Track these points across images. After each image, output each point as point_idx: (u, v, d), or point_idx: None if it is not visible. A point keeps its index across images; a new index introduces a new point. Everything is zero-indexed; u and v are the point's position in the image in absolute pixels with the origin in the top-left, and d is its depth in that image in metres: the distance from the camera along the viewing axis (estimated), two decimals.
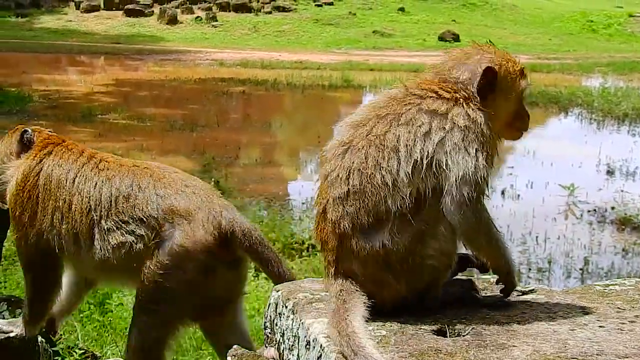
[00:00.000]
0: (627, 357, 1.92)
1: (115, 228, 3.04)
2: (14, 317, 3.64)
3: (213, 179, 10.07)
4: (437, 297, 2.26)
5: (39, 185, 3.18)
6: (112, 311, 5.07)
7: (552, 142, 13.67)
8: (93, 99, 17.15)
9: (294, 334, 2.30)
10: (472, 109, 2.19)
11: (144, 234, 2.99)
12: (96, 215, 3.07)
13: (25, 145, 3.32)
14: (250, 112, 17.01)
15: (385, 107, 2.22)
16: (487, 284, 2.53)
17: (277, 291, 2.49)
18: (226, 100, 18.24)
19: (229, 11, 35.27)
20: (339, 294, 2.16)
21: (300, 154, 13.29)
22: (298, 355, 2.25)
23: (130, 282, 3.19)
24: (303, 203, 9.25)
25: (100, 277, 3.37)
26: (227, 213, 3.02)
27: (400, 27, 33.16)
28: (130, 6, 34.74)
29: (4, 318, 3.58)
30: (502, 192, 9.87)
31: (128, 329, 3.23)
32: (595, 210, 9.31)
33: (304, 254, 7.10)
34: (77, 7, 35.53)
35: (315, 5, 36.56)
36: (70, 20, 34.34)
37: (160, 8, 34.61)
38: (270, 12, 35.50)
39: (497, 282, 2.32)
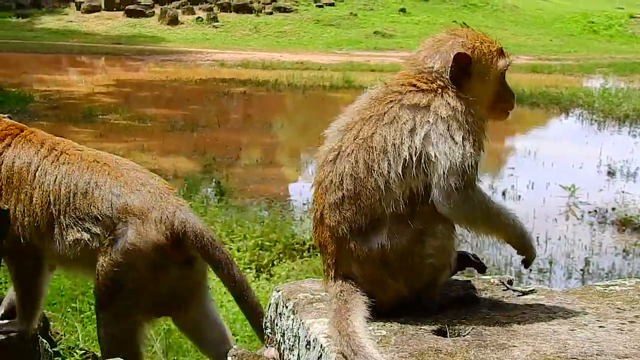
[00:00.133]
0: (627, 357, 1.92)
1: (72, 224, 3.09)
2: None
3: (214, 180, 10.09)
4: (435, 297, 2.26)
5: (1, 178, 3.21)
6: None
7: (553, 142, 13.68)
8: (94, 99, 17.14)
9: (294, 334, 2.30)
10: (452, 97, 2.18)
11: (99, 232, 3.05)
12: (55, 211, 3.12)
13: None
14: (251, 112, 17.00)
15: (369, 109, 2.22)
16: (487, 284, 2.53)
17: (278, 291, 2.50)
18: (227, 101, 18.23)
19: (230, 12, 35.26)
20: (340, 295, 2.17)
21: (301, 154, 13.28)
22: (298, 355, 2.25)
23: (90, 276, 3.24)
24: (304, 204, 9.24)
25: (61, 269, 3.42)
26: (181, 213, 3.07)
27: (401, 27, 33.16)
28: (131, 7, 34.74)
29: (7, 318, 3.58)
30: (503, 193, 9.87)
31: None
32: (596, 211, 9.30)
33: (304, 254, 7.09)
34: (78, 8, 35.53)
35: (316, 6, 36.56)
36: (71, 21, 34.35)
37: (161, 9, 34.62)
38: (271, 13, 35.49)
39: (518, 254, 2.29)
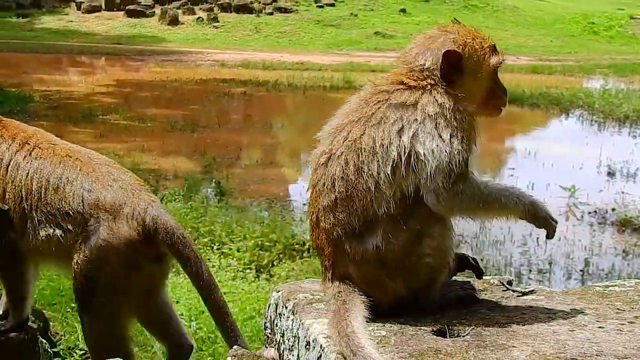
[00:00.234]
0: (626, 358, 1.93)
1: (44, 220, 3.10)
2: None
3: (214, 180, 10.10)
4: (433, 298, 2.26)
5: None
6: None
7: (553, 143, 13.70)
8: (94, 99, 17.14)
9: (294, 335, 2.31)
10: (440, 94, 2.17)
11: (71, 228, 3.06)
12: (27, 206, 3.12)
13: None
14: (251, 113, 17.01)
15: (358, 110, 2.22)
16: (486, 284, 2.53)
17: (278, 292, 2.51)
18: (227, 101, 18.25)
19: (231, 12, 35.25)
20: (338, 296, 2.18)
21: (301, 155, 13.30)
22: (298, 355, 2.26)
23: (66, 271, 3.26)
24: (304, 204, 9.25)
25: (37, 263, 3.41)
26: (152, 210, 3.08)
27: (402, 28, 33.14)
28: (131, 7, 34.72)
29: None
30: None
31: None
32: (595, 211, 9.34)
33: (304, 255, 7.12)
34: (78, 8, 35.51)
35: (317, 6, 36.55)
36: (71, 21, 34.34)
37: (162, 9, 34.60)
38: (271, 13, 35.48)
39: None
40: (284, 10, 35.81)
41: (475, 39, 2.26)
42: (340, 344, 2.00)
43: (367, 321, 2.12)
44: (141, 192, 3.16)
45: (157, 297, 3.32)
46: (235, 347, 2.62)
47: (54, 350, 3.83)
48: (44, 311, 3.93)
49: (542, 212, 2.23)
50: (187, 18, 34.49)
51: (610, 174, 11.31)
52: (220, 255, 6.84)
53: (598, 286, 2.55)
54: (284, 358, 2.40)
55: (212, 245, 7.06)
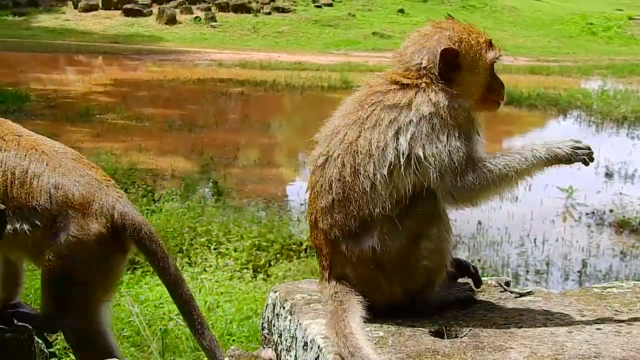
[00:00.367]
0: None
1: (10, 214, 3.07)
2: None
3: (211, 180, 10.12)
4: (430, 300, 2.26)
5: None
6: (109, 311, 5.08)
7: None
8: (91, 98, 17.15)
9: (291, 335, 2.31)
10: (435, 93, 2.15)
11: (39, 223, 3.06)
12: None
13: None
14: (249, 112, 17.06)
15: (353, 113, 2.21)
16: (484, 285, 2.53)
17: (275, 292, 2.51)
18: (225, 101, 18.26)
19: (228, 11, 35.27)
20: (335, 296, 2.19)
21: (298, 155, 13.31)
22: (295, 356, 2.27)
23: (36, 264, 3.28)
24: (301, 204, 9.27)
25: (6, 256, 3.40)
26: (120, 206, 3.13)
27: (400, 28, 33.13)
28: (128, 6, 34.72)
29: None
30: None
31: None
32: (593, 212, 9.37)
33: (301, 255, 7.13)
34: (75, 7, 35.51)
35: (315, 6, 36.58)
36: (68, 20, 34.32)
37: (159, 8, 34.60)
38: (269, 13, 35.50)
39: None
40: (282, 10, 35.83)
41: (470, 34, 2.24)
42: (339, 345, 2.00)
43: (364, 322, 2.12)
44: (108, 188, 3.19)
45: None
46: (232, 347, 2.64)
47: (50, 350, 3.84)
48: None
49: (563, 150, 2.19)
50: (185, 17, 34.49)
51: (608, 175, 11.35)
52: (217, 255, 6.85)
53: (596, 287, 2.55)
54: (282, 358, 2.39)
55: (210, 245, 7.07)
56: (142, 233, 3.13)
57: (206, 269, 6.50)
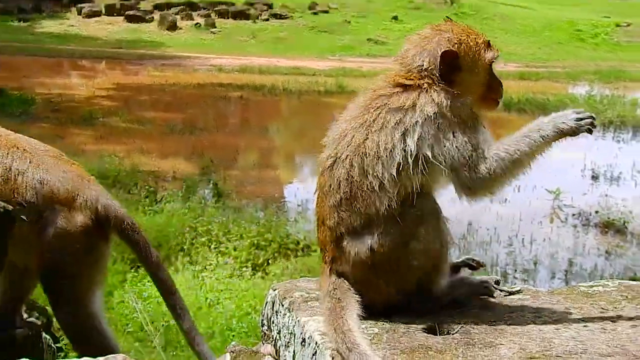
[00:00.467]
0: (609, 356, 1.98)
1: None
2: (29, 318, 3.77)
3: (211, 181, 10.20)
4: (427, 301, 2.28)
5: None
6: (113, 308, 5.31)
7: None
8: (94, 102, 17.18)
9: (290, 331, 2.35)
10: (437, 93, 2.20)
11: (24, 218, 3.11)
12: None
13: None
14: (248, 116, 17.12)
15: (359, 117, 2.26)
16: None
17: (274, 290, 2.56)
18: (224, 105, 18.30)
19: (228, 18, 35.26)
20: (333, 293, 2.22)
21: (296, 157, 13.47)
22: (294, 352, 2.30)
23: (25, 260, 3.31)
24: (299, 205, 9.45)
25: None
26: (103, 199, 3.28)
27: (394, 35, 33.17)
28: (131, 12, 34.64)
29: None
30: None
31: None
32: (579, 214, 9.56)
33: (299, 253, 7.31)
34: (79, 13, 35.34)
35: (311, 13, 36.68)
36: (72, 25, 34.12)
37: (161, 14, 34.55)
38: (267, 20, 35.63)
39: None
40: (280, 17, 35.88)
41: (469, 35, 2.28)
42: (337, 341, 2.04)
43: (360, 319, 2.16)
44: (90, 183, 3.31)
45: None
46: (233, 342, 2.70)
47: (57, 345, 3.93)
48: (47, 307, 3.94)
49: (567, 125, 2.21)
50: (186, 24, 34.48)
51: (594, 177, 11.51)
52: (217, 254, 7.01)
53: (582, 286, 2.57)
54: (281, 354, 2.43)
55: (210, 244, 7.25)
56: (125, 224, 3.27)
57: (207, 267, 6.62)
